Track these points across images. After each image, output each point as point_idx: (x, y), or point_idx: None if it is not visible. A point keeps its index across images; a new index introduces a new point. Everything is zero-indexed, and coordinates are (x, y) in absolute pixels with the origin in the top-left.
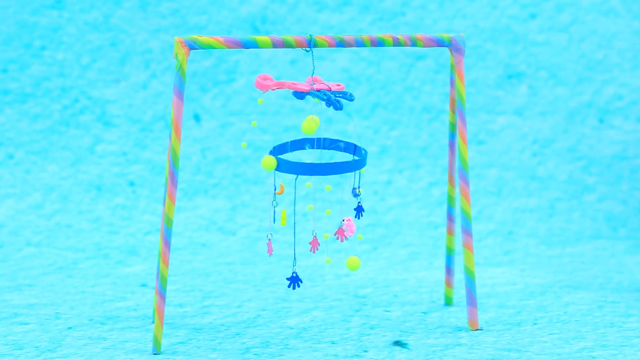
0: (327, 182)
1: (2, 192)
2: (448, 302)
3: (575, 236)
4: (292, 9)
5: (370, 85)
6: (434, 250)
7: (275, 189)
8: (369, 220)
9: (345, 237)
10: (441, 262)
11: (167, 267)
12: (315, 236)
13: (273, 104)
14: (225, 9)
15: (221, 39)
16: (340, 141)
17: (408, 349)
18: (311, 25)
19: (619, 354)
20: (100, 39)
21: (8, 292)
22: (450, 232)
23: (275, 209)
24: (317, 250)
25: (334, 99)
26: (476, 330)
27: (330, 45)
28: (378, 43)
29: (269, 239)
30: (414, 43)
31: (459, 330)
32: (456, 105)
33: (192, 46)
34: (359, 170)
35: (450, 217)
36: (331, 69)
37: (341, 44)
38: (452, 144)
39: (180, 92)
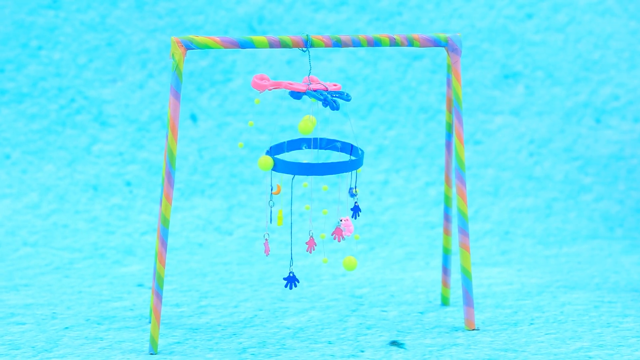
0: (323, 182)
1: None
2: (445, 302)
3: (572, 236)
4: (289, 8)
5: (367, 85)
6: (430, 250)
7: (272, 189)
8: (365, 220)
9: (343, 237)
10: (438, 262)
11: (164, 267)
12: (311, 236)
13: (270, 104)
14: (222, 9)
15: (218, 39)
16: (337, 141)
17: (405, 349)
18: (308, 25)
19: (615, 354)
20: (96, 38)
21: (5, 292)
22: (447, 232)
23: (272, 209)
24: (313, 250)
25: (330, 99)
26: (473, 330)
27: (326, 45)
28: (375, 43)
29: (266, 239)
30: (410, 43)
31: (456, 330)
32: (453, 105)
33: (188, 46)
34: (355, 170)
35: (447, 217)
36: (328, 69)
37: (338, 44)
38: (448, 144)
39: (177, 92)
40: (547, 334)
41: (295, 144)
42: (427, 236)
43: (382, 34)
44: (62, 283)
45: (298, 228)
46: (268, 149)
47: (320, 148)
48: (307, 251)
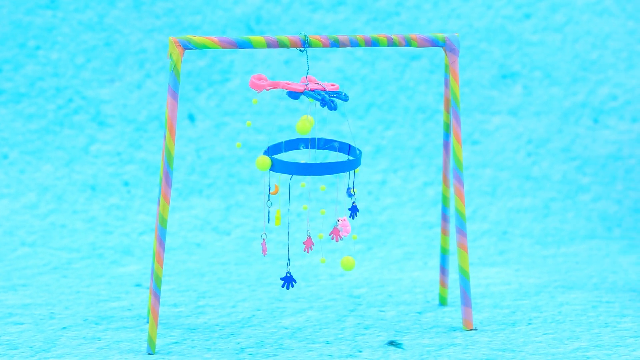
0: (321, 182)
1: None
2: (442, 302)
3: (570, 236)
4: (287, 9)
5: (365, 85)
6: (428, 250)
7: (269, 189)
8: (363, 220)
9: (340, 237)
10: (436, 262)
11: (162, 267)
12: (309, 236)
13: (267, 104)
14: (219, 9)
15: (215, 39)
16: (335, 141)
17: (402, 349)
18: (305, 25)
19: (613, 354)
20: (94, 38)
21: (2, 292)
22: (444, 232)
23: (270, 209)
24: (311, 250)
25: (328, 99)
26: (471, 330)
27: (324, 45)
28: (372, 43)
29: (264, 239)
30: (408, 43)
31: (454, 330)
32: (450, 105)
33: (186, 46)
34: (353, 170)
35: (444, 217)
36: (325, 69)
37: (335, 44)
38: (446, 144)
39: (174, 92)
40: (545, 334)
41: (293, 144)
42: (425, 236)
43: (380, 34)
44: (60, 283)
45: (296, 228)
46: (266, 149)
47: (318, 148)
48: (304, 251)
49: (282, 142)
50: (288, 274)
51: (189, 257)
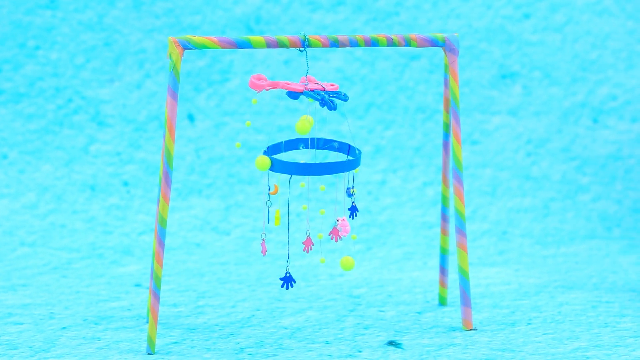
0: (321, 182)
1: None
2: (442, 302)
3: (570, 236)
4: (286, 9)
5: (364, 85)
6: (428, 250)
7: (269, 189)
8: (363, 220)
9: (340, 237)
10: (435, 262)
11: (161, 267)
12: (309, 236)
13: (267, 104)
14: (219, 9)
15: (215, 39)
16: (335, 141)
17: (402, 349)
18: (305, 25)
19: (613, 354)
20: (94, 38)
21: (2, 292)
22: (444, 232)
23: (269, 209)
24: (310, 250)
25: (327, 99)
26: (470, 330)
27: (324, 45)
28: (372, 43)
29: (263, 239)
30: (407, 43)
31: (453, 330)
32: (450, 105)
33: (186, 46)
34: (353, 170)
35: (444, 217)
36: (325, 69)
37: (335, 44)
38: (446, 144)
39: (174, 92)
40: (544, 334)
41: (292, 144)
42: (425, 236)
43: (380, 34)
44: (59, 283)
45: (295, 228)
46: (265, 149)
47: (318, 148)
48: (304, 251)
49: (281, 142)
50: (288, 274)
51: (189, 257)
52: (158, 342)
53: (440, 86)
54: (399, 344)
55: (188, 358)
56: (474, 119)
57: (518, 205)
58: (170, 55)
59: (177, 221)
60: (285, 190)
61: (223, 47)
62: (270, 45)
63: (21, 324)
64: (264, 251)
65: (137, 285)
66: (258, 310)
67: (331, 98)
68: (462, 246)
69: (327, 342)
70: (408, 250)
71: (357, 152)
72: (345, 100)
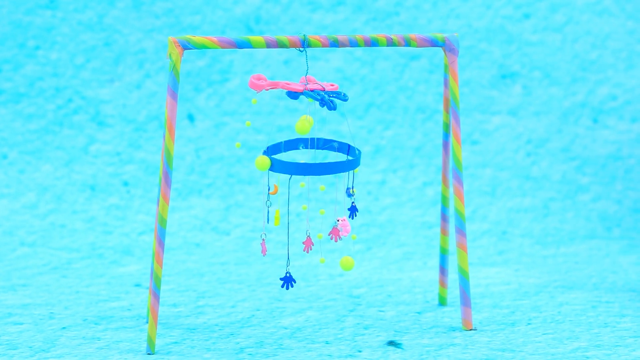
0: (321, 182)
1: None
2: (442, 302)
3: (570, 236)
4: (286, 9)
5: (364, 85)
6: (428, 250)
7: (269, 189)
8: (363, 220)
9: (340, 237)
10: (435, 262)
11: (161, 267)
12: (309, 236)
13: (267, 104)
14: (219, 9)
15: (215, 39)
16: (334, 141)
17: (402, 349)
18: (305, 25)
19: (612, 354)
20: (94, 38)
21: (2, 292)
22: (444, 232)
23: (269, 209)
24: (310, 250)
25: (327, 99)
26: (470, 330)
27: (324, 45)
28: (372, 43)
29: (263, 239)
30: (407, 43)
31: (453, 330)
32: (450, 105)
33: (185, 46)
34: (353, 170)
35: (444, 217)
36: (325, 69)
37: (335, 44)
38: (446, 144)
39: (174, 92)
40: (544, 334)
41: (292, 144)
42: (425, 236)
43: (380, 34)
44: (59, 283)
45: (295, 228)
46: (265, 149)
47: (318, 148)
48: (304, 251)
49: (281, 142)
50: (288, 274)
51: (189, 257)
52: (158, 342)
53: (440, 86)
54: (399, 344)
55: (188, 358)
56: (474, 119)
57: (518, 205)
58: (170, 55)
59: (177, 221)
60: (285, 190)
61: (223, 47)
62: (270, 45)
63: (21, 324)
64: (264, 251)
65: (137, 285)
66: (258, 310)
67: (331, 98)
68: (462, 246)
69: (327, 342)
70: (408, 250)
71: (357, 152)
72: (345, 100)
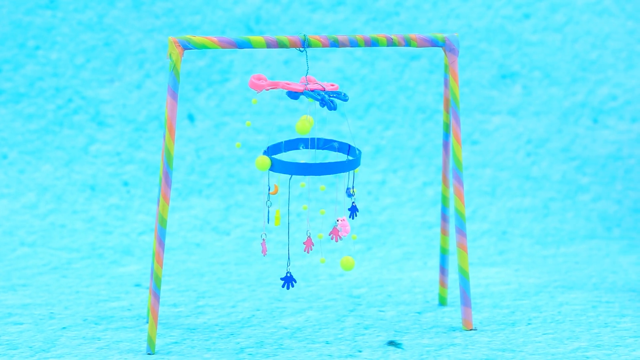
0: (321, 182)
1: None
2: (442, 302)
3: (570, 236)
4: (286, 9)
5: (364, 85)
6: (428, 250)
7: (269, 189)
8: (363, 220)
9: (340, 237)
10: (435, 262)
11: (161, 267)
12: (309, 236)
13: (267, 104)
14: (219, 9)
15: (215, 39)
16: (335, 141)
17: (402, 349)
18: (305, 25)
19: (613, 354)
20: (94, 38)
21: (2, 292)
22: (444, 232)
23: (269, 209)
24: (311, 250)
25: (328, 99)
26: (470, 330)
27: (324, 45)
28: (372, 43)
29: (263, 239)
30: (407, 43)
31: (453, 330)
32: (450, 105)
33: (186, 46)
34: (353, 170)
35: (444, 217)
36: (325, 69)
37: (335, 44)
38: (446, 144)
39: (174, 92)
40: (544, 334)
41: (292, 144)
42: (425, 236)
43: (380, 34)
44: (59, 283)
45: (295, 228)
46: (265, 149)
47: (318, 148)
48: (304, 251)
49: (281, 142)
50: (288, 274)
51: (189, 257)
52: (158, 342)
53: (440, 86)
54: (399, 344)
55: (188, 358)
56: (474, 119)
57: (518, 205)
58: (170, 55)
59: (177, 221)
60: (285, 190)
61: (223, 47)
62: (270, 45)
63: (21, 324)
64: (264, 251)
65: (137, 285)
66: (258, 310)
67: (331, 98)
68: (462, 246)
69: (327, 342)
70: (408, 250)
71: (357, 152)
72: (345, 100)
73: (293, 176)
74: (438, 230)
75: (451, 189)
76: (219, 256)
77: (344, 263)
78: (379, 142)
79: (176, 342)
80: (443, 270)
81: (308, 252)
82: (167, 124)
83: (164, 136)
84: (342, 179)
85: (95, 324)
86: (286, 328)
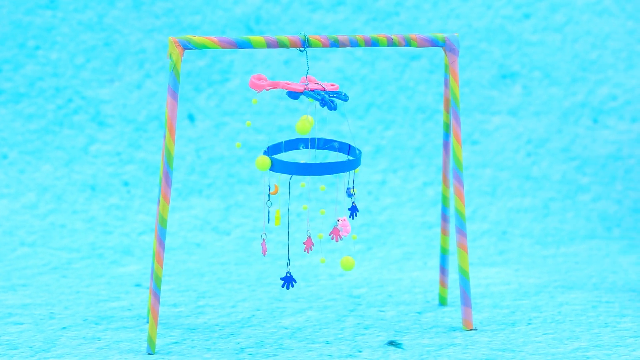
0: (321, 182)
1: None
2: (442, 302)
3: (570, 236)
4: (286, 8)
5: (365, 85)
6: (428, 250)
7: (269, 189)
8: (363, 220)
9: (340, 237)
10: (435, 262)
11: (162, 267)
12: (309, 236)
13: (267, 104)
14: (219, 9)
15: (215, 39)
16: (335, 141)
17: (402, 349)
18: (305, 25)
19: (613, 354)
20: (94, 38)
21: (2, 292)
22: (444, 232)
23: (270, 209)
24: (311, 250)
25: (328, 99)
26: (470, 330)
27: (324, 45)
28: (372, 43)
29: (263, 239)
30: (408, 43)
31: (454, 330)
32: (450, 105)
33: (186, 46)
34: (353, 170)
35: (444, 217)
36: (325, 69)
37: (335, 43)
38: (446, 144)
39: (174, 92)
40: (544, 334)
41: (292, 144)
42: (425, 236)
43: (380, 34)
44: (59, 283)
45: (295, 228)
46: (265, 149)
47: (318, 148)
48: (304, 251)
49: (281, 142)
50: (288, 274)
51: (189, 257)
52: (158, 342)
53: (440, 86)
54: (399, 344)
55: (188, 358)
56: (474, 119)
57: (518, 205)
58: (170, 55)
59: (177, 221)
60: (286, 190)
61: (223, 47)
62: (270, 45)
63: (21, 324)
64: (264, 251)
65: (137, 285)
66: (258, 310)
67: (331, 98)
68: (462, 246)
69: (327, 342)
70: (408, 250)
71: (357, 152)
72: (346, 100)
73: (293, 176)
74: (438, 230)
75: (451, 189)
76: (219, 256)
77: (344, 263)
78: (379, 142)
79: (176, 342)
80: (443, 270)
81: (308, 252)
82: (167, 124)
83: (164, 136)
84: (342, 179)
85: (96, 324)
86: (286, 328)
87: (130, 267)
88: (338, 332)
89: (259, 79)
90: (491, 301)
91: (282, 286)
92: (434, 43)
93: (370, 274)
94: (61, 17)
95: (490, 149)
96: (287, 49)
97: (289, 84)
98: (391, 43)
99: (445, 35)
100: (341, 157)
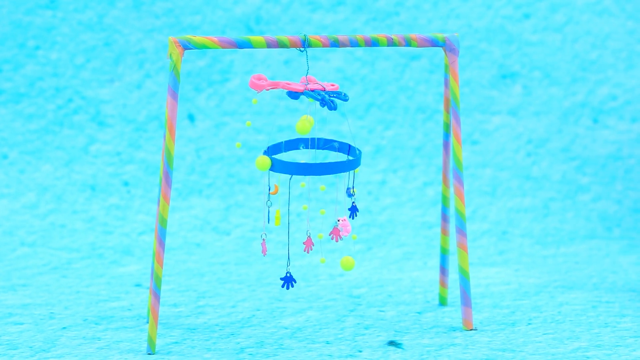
0: (321, 182)
1: None
2: (442, 302)
3: (570, 236)
4: (286, 9)
5: (365, 85)
6: (428, 250)
7: (269, 189)
8: (363, 220)
9: (340, 237)
10: (435, 262)
11: (162, 267)
12: (309, 236)
13: (267, 104)
14: (219, 9)
15: (215, 39)
16: (335, 141)
17: (402, 349)
18: (305, 25)
19: (613, 354)
20: (94, 38)
21: (2, 292)
22: (444, 232)
23: (270, 209)
24: (311, 250)
25: (328, 99)
26: (470, 330)
27: (324, 45)
28: (372, 43)
29: (263, 239)
30: (408, 43)
31: (454, 330)
32: (450, 105)
33: (186, 46)
34: (353, 170)
35: (444, 217)
36: (325, 69)
37: (335, 43)
38: (446, 144)
39: (174, 92)
40: (544, 334)
41: (292, 144)
42: (425, 236)
43: (380, 34)
44: (59, 283)
45: (295, 228)
46: (265, 149)
47: (318, 148)
48: (304, 251)
49: (281, 142)
50: (288, 274)
51: (189, 257)
52: (158, 342)
53: (441, 86)
54: (399, 344)
55: (188, 358)
56: (474, 119)
57: (518, 205)
58: (170, 55)
59: (177, 221)
60: (286, 190)
61: (223, 47)
62: (270, 45)
63: (21, 324)
64: (264, 251)
65: (137, 285)
66: (258, 310)
67: (331, 98)
68: (462, 246)
69: (327, 342)
70: (408, 250)
71: (357, 152)
72: (346, 100)
73: (293, 176)
74: (438, 230)
75: (451, 189)
76: (219, 256)
77: (344, 263)
78: (379, 142)
79: (176, 342)
80: (443, 270)
81: (308, 252)
82: (167, 124)
83: (164, 136)
84: (342, 179)
85: (96, 324)
86: (286, 328)
87: (130, 267)
88: (338, 332)
89: (259, 79)
90: (491, 301)
91: (282, 286)
92: (434, 43)
93: (370, 274)
94: (61, 17)
95: (490, 149)
96: (287, 49)
97: (289, 84)
98: (391, 43)
99: (445, 35)
100: (341, 157)
